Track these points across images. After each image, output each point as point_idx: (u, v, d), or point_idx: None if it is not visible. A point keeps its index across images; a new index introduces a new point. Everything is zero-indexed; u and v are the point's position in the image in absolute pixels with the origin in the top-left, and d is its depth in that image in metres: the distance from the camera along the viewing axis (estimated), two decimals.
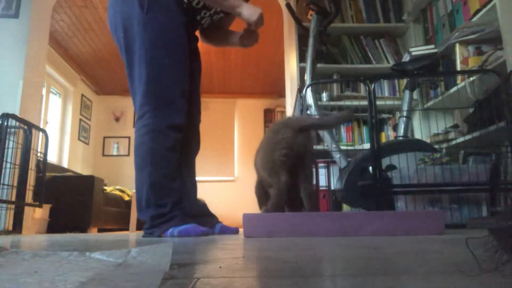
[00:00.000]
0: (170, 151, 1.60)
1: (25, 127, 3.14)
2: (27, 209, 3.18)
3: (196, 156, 1.90)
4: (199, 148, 1.91)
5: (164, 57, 1.61)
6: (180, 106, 1.63)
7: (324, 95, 3.03)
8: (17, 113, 3.13)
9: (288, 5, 2.67)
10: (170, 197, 1.56)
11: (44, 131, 3.45)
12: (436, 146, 2.29)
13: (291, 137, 1.39)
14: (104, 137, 6.59)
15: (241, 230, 1.56)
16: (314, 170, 2.67)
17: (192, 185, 1.82)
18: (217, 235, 1.68)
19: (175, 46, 1.64)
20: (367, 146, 2.84)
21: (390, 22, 3.25)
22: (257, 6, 1.68)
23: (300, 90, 2.13)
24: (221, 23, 1.91)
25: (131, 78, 1.66)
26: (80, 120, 6.03)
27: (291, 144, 1.39)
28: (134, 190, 1.69)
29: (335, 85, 3.13)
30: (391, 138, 3.06)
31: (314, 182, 2.65)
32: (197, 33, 1.93)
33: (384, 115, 3.12)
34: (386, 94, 3.16)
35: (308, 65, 2.36)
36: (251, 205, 2.35)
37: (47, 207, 3.71)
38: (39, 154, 3.36)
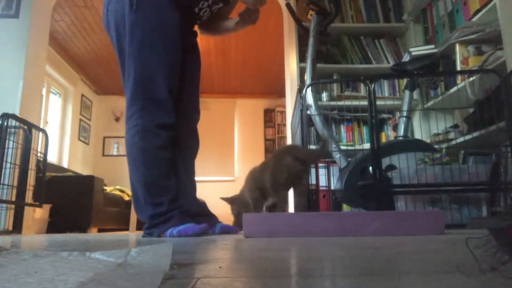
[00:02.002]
0: (162, 150, 1.60)
1: (25, 127, 3.14)
2: (27, 209, 3.18)
3: (195, 155, 1.88)
4: (198, 148, 1.90)
5: (152, 56, 1.59)
6: (169, 105, 1.62)
7: (324, 95, 3.03)
8: (17, 113, 3.13)
9: (288, 5, 2.66)
10: (166, 195, 1.56)
11: (44, 131, 3.44)
12: (436, 146, 2.29)
13: (292, 163, 1.63)
14: (104, 137, 6.59)
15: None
16: (315, 170, 2.68)
17: (191, 185, 1.82)
18: (217, 235, 1.68)
19: (165, 45, 1.62)
20: (367, 146, 2.83)
21: (390, 22, 3.25)
22: None
23: (300, 90, 2.13)
24: (220, 13, 1.88)
25: (123, 78, 1.66)
26: (80, 120, 6.03)
27: (292, 169, 1.63)
28: None
29: (335, 85, 3.13)
30: (391, 138, 3.06)
31: (314, 182, 2.65)
32: (196, 27, 1.91)
33: (384, 115, 3.12)
34: (386, 94, 3.16)
35: (308, 65, 2.35)
36: None
37: (47, 207, 3.71)
38: (39, 154, 3.36)
